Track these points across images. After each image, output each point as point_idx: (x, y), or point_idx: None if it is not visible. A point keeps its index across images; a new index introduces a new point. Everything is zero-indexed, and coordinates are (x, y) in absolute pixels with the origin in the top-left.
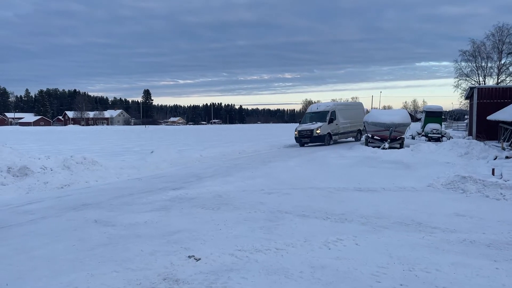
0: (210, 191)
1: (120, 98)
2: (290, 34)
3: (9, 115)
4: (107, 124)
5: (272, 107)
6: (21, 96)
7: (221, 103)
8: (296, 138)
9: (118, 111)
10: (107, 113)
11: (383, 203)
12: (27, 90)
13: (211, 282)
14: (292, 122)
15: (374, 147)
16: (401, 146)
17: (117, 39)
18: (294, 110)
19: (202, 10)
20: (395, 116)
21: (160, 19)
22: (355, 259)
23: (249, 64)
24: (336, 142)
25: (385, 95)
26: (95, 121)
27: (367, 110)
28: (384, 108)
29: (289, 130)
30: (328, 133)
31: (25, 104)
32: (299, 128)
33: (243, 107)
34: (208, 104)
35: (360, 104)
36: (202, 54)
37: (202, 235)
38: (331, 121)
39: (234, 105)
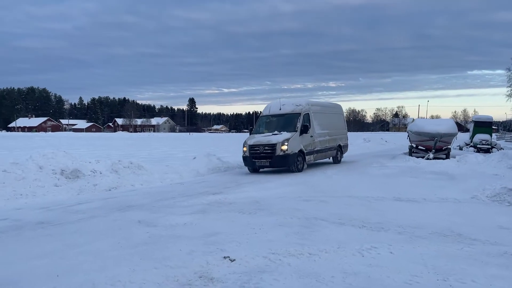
0: (248, 197)
1: (167, 106)
2: (335, 42)
3: (64, 121)
4: (154, 131)
5: None
6: (75, 103)
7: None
8: (244, 158)
9: (164, 119)
10: (154, 121)
11: (423, 214)
12: (80, 98)
13: (243, 282)
14: None
15: (418, 157)
16: (447, 157)
17: (166, 49)
18: None
19: (248, 20)
20: (440, 126)
21: (208, 30)
22: (388, 267)
23: (293, 73)
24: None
25: (434, 105)
26: (143, 128)
27: (413, 119)
28: (432, 117)
29: None
30: (300, 151)
31: (79, 111)
32: (251, 142)
33: None
34: (251, 112)
35: (339, 107)
36: (246, 63)
37: (238, 238)
38: (303, 130)
39: None
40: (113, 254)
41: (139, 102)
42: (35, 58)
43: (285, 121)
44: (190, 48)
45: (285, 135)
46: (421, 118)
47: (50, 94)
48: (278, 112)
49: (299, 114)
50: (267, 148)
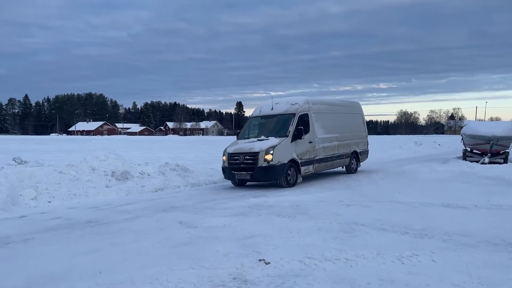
0: (288, 200)
1: (215, 110)
2: (386, 43)
3: (119, 125)
4: (202, 134)
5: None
6: (129, 108)
7: None
8: (223, 169)
9: (213, 122)
10: (203, 124)
11: (472, 221)
12: (134, 102)
13: (277, 285)
14: (386, 134)
15: (472, 161)
16: (505, 161)
17: (215, 54)
18: (388, 121)
19: (297, 23)
20: (497, 128)
21: (255, 34)
22: (428, 276)
23: (342, 75)
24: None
25: (494, 106)
26: (192, 131)
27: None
28: (491, 119)
29: (381, 142)
30: (292, 161)
31: (132, 115)
32: (231, 149)
33: None
34: None
35: (356, 106)
36: (294, 66)
37: (275, 241)
38: (297, 135)
39: None
40: (153, 253)
41: (189, 106)
42: (93, 65)
43: (276, 124)
44: (238, 52)
45: (271, 141)
46: (478, 120)
47: (107, 99)
48: (269, 112)
49: (293, 115)
50: (248, 157)
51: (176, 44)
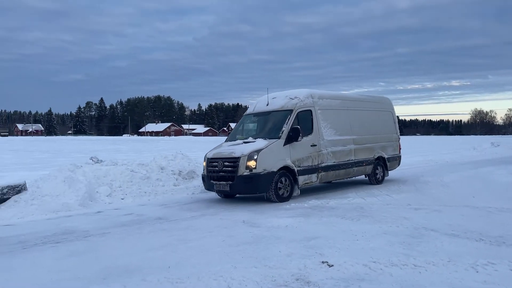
0: (351, 202)
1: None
2: (459, 38)
3: (185, 126)
4: None
5: (434, 118)
6: (194, 109)
7: None
8: (203, 178)
9: None
10: None
11: None
12: (199, 104)
13: None
14: (458, 134)
15: None
16: None
17: (277, 55)
18: (460, 121)
19: (361, 20)
20: None
21: (319, 33)
22: (506, 286)
23: (410, 73)
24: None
25: None
26: None
27: None
28: None
29: (453, 143)
30: (284, 168)
31: (197, 116)
32: (211, 154)
33: (400, 118)
34: None
35: (385, 102)
36: (358, 64)
37: (338, 244)
38: (292, 137)
39: None
40: (217, 251)
41: None
42: (161, 69)
43: (269, 123)
44: (301, 52)
45: (257, 144)
46: None
47: (174, 101)
48: (263, 108)
49: (290, 111)
50: (228, 164)
51: (239, 46)
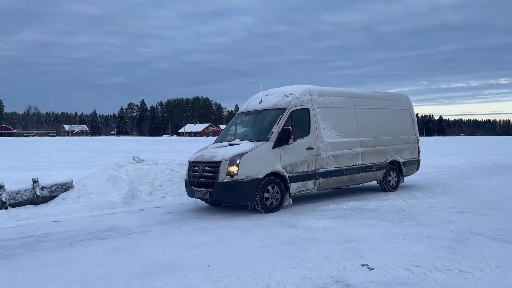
0: (392, 205)
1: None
2: (507, 34)
3: (222, 126)
4: None
5: (480, 118)
6: (231, 110)
7: (417, 114)
8: (185, 183)
9: None
10: None
11: None
12: (236, 105)
13: None
14: (506, 135)
15: None
16: None
17: (315, 54)
18: (509, 120)
19: (402, 18)
20: None
21: (357, 31)
22: None
23: (454, 71)
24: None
25: None
26: None
27: None
28: None
29: (500, 144)
30: (273, 175)
31: None
32: (192, 157)
33: (443, 117)
34: None
35: (402, 99)
36: (399, 63)
37: (379, 247)
38: (283, 139)
39: (432, 115)
40: (256, 250)
41: None
42: (200, 70)
43: (259, 122)
44: (339, 51)
45: (242, 146)
46: None
47: (212, 102)
48: (256, 107)
49: (283, 110)
50: (208, 169)
51: (277, 46)
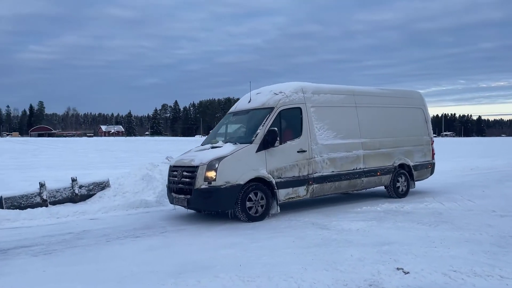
0: (429, 207)
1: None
2: None
3: None
4: None
5: None
6: None
7: (454, 114)
8: (167, 188)
9: None
10: None
11: None
12: None
13: None
14: None
15: None
16: None
17: (348, 54)
18: None
19: (440, 15)
20: None
21: (393, 30)
22: None
23: (495, 69)
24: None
25: None
26: None
27: None
28: None
29: None
30: (257, 180)
31: None
32: (173, 161)
33: (483, 117)
34: (439, 115)
35: (414, 96)
36: (436, 61)
37: (414, 250)
38: (269, 141)
39: (471, 115)
40: (287, 252)
41: None
42: (232, 71)
43: (246, 123)
44: (373, 50)
45: (223, 149)
46: None
47: None
48: (245, 106)
49: (271, 109)
50: (186, 174)
51: (309, 46)
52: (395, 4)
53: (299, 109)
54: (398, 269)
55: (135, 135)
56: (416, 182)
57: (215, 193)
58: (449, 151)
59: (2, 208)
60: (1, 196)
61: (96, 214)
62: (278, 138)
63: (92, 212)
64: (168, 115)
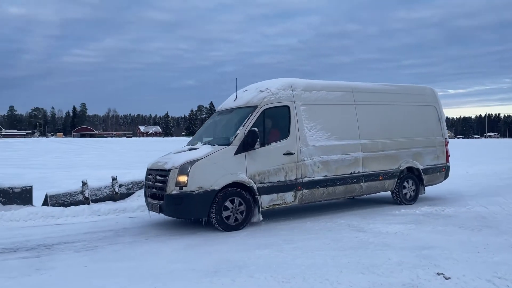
0: (471, 211)
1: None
2: None
3: None
4: None
5: None
6: None
7: (499, 114)
8: (144, 192)
9: None
10: None
11: None
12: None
13: None
14: None
15: None
16: None
17: (386, 53)
18: None
19: (482, 11)
20: None
21: (432, 27)
22: None
23: None
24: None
25: None
26: None
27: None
28: None
29: None
30: (235, 185)
31: None
32: (149, 165)
33: None
34: (483, 116)
35: (425, 93)
36: (478, 60)
37: (456, 255)
38: (249, 143)
39: None
40: (322, 253)
41: None
42: (266, 72)
43: (227, 123)
44: (412, 49)
45: (199, 152)
46: None
47: None
48: (230, 104)
49: (254, 108)
50: (159, 178)
51: (345, 46)
52: (434, 1)
53: (287, 107)
54: (438, 274)
55: (172, 136)
56: (445, 184)
57: (186, 199)
58: (492, 152)
59: (47, 205)
60: (46, 194)
61: (135, 212)
62: (258, 140)
63: (131, 210)
64: (204, 116)
